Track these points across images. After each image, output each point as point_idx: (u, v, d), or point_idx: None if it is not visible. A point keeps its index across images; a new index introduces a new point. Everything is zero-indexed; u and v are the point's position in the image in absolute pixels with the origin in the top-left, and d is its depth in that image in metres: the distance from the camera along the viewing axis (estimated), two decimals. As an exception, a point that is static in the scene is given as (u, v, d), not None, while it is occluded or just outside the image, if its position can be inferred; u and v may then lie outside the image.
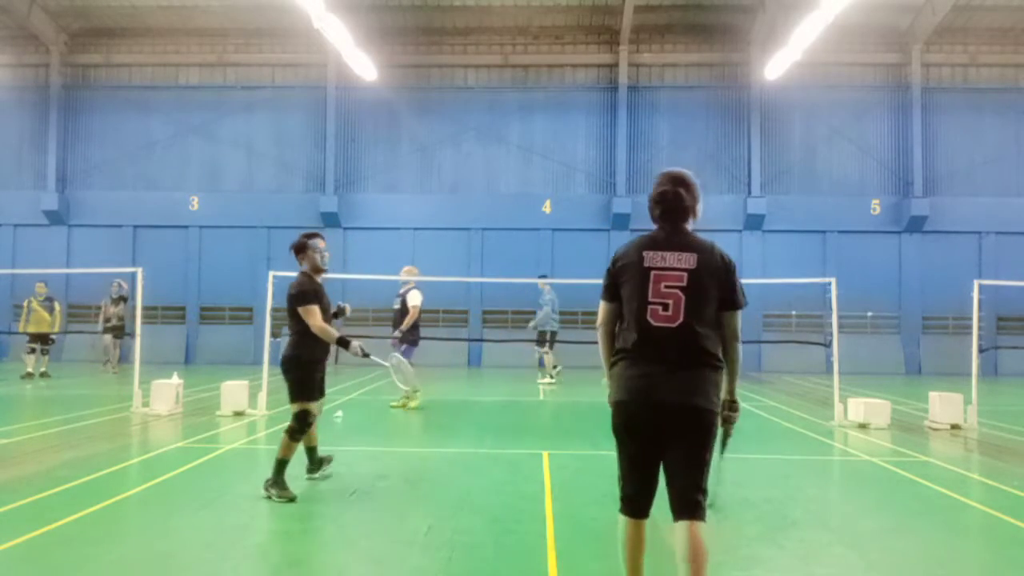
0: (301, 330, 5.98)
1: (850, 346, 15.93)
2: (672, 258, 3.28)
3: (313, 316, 5.95)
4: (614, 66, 21.47)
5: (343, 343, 6.00)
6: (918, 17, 20.38)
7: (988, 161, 21.05)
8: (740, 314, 3.40)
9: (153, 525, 5.06)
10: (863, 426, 9.64)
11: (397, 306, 11.65)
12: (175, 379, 10.33)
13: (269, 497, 5.62)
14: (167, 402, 9.98)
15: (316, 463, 6.35)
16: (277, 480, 5.69)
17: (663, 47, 21.73)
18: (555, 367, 15.28)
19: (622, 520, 3.35)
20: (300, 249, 6.25)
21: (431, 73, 21.97)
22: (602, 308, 3.49)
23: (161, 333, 20.27)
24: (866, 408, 9.76)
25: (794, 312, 20.61)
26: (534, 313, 15.83)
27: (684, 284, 3.24)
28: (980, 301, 10.29)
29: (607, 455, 7.65)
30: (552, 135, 21.63)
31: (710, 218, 18.79)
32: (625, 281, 3.34)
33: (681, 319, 3.23)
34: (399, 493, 5.99)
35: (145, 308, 11.31)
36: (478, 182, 21.67)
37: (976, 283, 10.38)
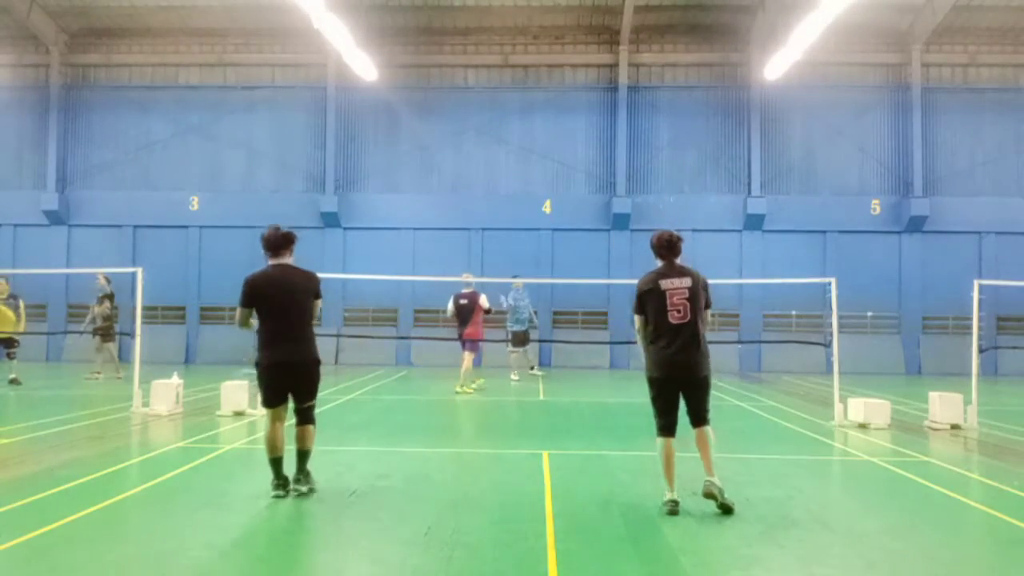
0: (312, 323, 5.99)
1: (850, 346, 15.91)
2: (678, 282, 5.47)
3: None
4: (614, 66, 21.46)
5: None
6: (918, 17, 20.38)
7: (988, 161, 21.05)
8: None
9: (153, 525, 5.06)
10: (863, 426, 9.63)
11: (464, 302, 13.12)
12: (175, 379, 10.33)
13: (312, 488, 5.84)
14: (167, 402, 9.98)
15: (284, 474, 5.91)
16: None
17: (663, 47, 21.72)
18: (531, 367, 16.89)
19: (661, 440, 5.51)
20: (290, 240, 5.99)
21: (431, 73, 21.96)
22: (638, 320, 5.65)
23: (161, 333, 20.28)
24: (866, 408, 9.76)
25: (794, 312, 20.60)
26: (536, 313, 16.03)
27: (687, 296, 5.43)
28: (980, 301, 10.28)
29: (607, 455, 7.69)
30: (552, 135, 21.62)
31: (710, 218, 18.78)
32: (649, 300, 5.50)
33: (688, 318, 5.42)
34: (399, 493, 5.99)
35: (145, 308, 11.31)
36: (478, 182, 21.66)
37: (976, 283, 10.37)
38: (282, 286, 5.78)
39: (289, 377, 5.80)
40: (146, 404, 10.13)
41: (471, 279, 13.78)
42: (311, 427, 5.94)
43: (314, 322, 5.93)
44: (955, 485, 6.59)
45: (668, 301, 5.41)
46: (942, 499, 6.12)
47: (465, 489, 6.15)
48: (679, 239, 5.63)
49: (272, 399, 5.79)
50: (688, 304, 5.39)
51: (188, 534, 4.81)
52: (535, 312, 17.16)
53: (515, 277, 16.65)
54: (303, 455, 5.85)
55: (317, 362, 5.91)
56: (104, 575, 4.12)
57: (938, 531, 5.25)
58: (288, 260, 5.91)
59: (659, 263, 5.63)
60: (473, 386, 13.43)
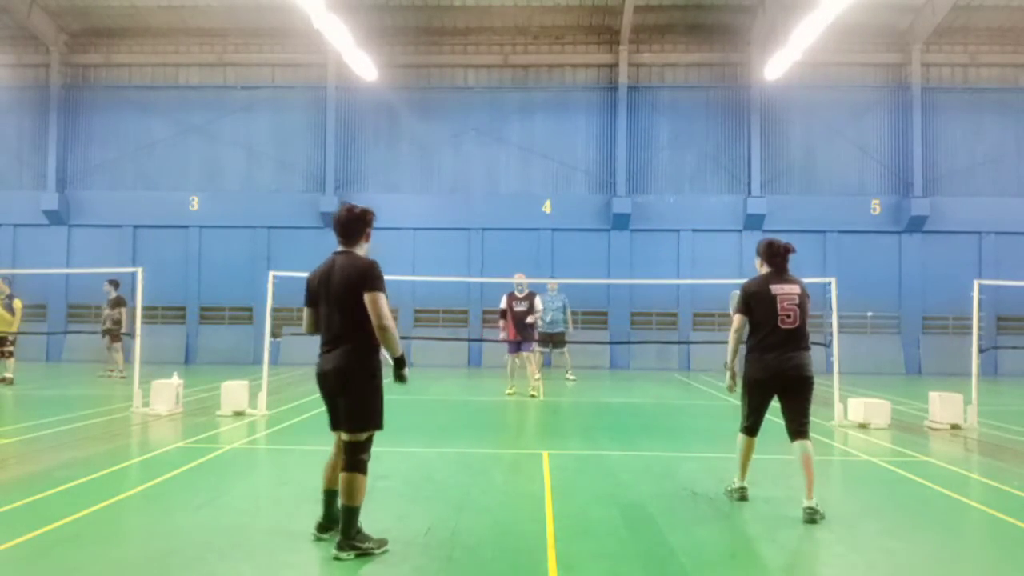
0: (367, 328, 4.48)
1: (850, 346, 15.92)
2: (788, 288, 5.60)
3: (386, 307, 4.49)
4: (614, 66, 21.46)
5: (401, 362, 4.60)
6: (918, 17, 20.37)
7: (988, 161, 21.04)
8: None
9: (153, 525, 5.06)
10: (863, 426, 9.64)
11: (523, 308, 13.15)
12: (175, 379, 10.33)
13: (363, 553, 4.42)
14: (167, 402, 9.98)
15: (335, 515, 4.66)
16: (359, 530, 4.51)
17: (663, 47, 21.71)
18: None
19: (743, 438, 5.79)
20: (364, 223, 4.76)
21: (431, 73, 21.96)
22: (739, 319, 5.71)
23: (161, 333, 20.26)
24: (866, 408, 9.77)
25: (794, 312, 20.60)
26: (569, 312, 15.81)
27: (797, 303, 5.58)
28: (980, 301, 10.28)
29: (607, 455, 7.69)
30: (552, 135, 21.61)
31: (710, 218, 18.80)
32: (757, 303, 5.61)
33: (797, 323, 5.55)
34: (399, 493, 5.99)
35: (145, 308, 11.30)
36: (478, 182, 21.66)
37: (976, 283, 10.38)
38: (322, 280, 4.63)
39: (325, 391, 4.65)
40: (146, 404, 10.13)
41: (524, 280, 13.51)
42: (356, 477, 4.45)
43: (379, 322, 4.44)
44: (955, 485, 6.59)
45: (779, 306, 5.54)
46: (942, 499, 6.12)
47: (465, 489, 6.15)
48: (793, 250, 5.77)
49: (329, 417, 4.70)
50: (797, 310, 5.54)
51: (188, 534, 4.82)
52: (569, 312, 15.78)
53: (550, 279, 17.03)
54: (343, 509, 4.48)
55: (352, 374, 4.51)
56: (104, 575, 4.12)
57: (938, 531, 5.25)
58: (357, 249, 4.72)
59: (763, 270, 5.75)
60: (512, 389, 13.18)
